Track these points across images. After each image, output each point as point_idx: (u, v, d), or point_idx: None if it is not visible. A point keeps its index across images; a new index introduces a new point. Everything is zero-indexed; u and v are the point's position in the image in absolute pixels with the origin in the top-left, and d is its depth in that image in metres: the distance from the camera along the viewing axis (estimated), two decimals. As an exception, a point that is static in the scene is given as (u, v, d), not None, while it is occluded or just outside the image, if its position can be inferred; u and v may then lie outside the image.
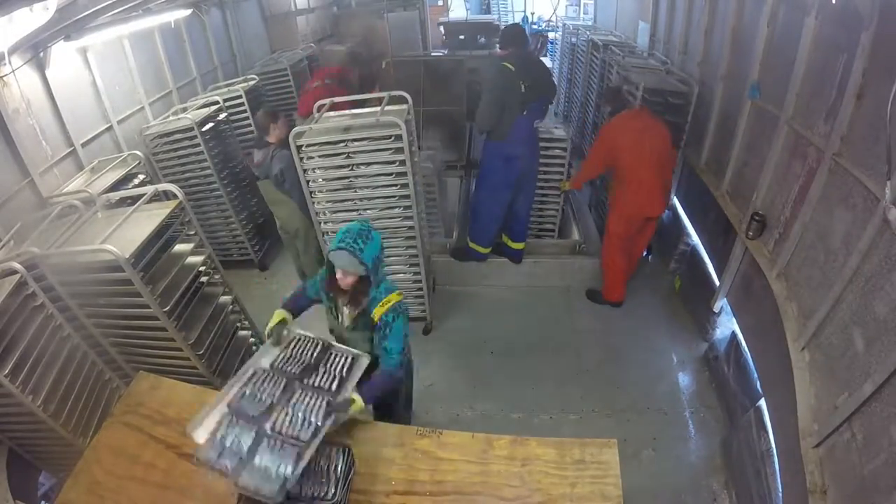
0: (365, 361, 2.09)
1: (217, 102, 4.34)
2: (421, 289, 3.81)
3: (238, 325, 3.13)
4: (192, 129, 3.93)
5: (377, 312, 2.09)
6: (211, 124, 4.17)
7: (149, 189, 2.81)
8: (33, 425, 2.37)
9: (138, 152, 3.78)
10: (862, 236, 2.02)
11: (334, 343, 2.19)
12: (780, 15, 2.93)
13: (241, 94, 4.54)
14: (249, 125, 4.66)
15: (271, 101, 5.17)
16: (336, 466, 1.78)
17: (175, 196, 2.81)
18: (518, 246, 4.33)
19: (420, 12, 8.05)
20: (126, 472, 1.92)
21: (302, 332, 2.19)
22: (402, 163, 3.09)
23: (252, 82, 4.83)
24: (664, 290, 4.44)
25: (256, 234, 4.77)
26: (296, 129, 3.07)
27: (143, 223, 2.54)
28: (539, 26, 12.06)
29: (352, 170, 3.16)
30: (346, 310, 2.21)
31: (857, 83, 2.15)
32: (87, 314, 2.56)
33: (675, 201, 4.76)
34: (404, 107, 3.25)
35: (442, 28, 8.82)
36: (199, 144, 3.99)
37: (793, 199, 2.68)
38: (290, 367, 1.98)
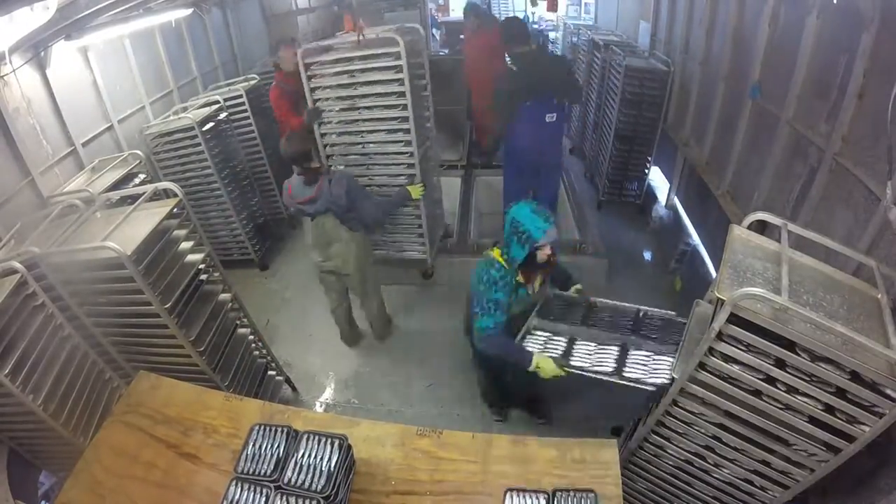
0: None
1: (218, 102, 4.34)
2: (420, 226, 3.92)
3: (237, 322, 3.13)
4: (192, 128, 3.93)
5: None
6: (211, 124, 4.17)
7: (148, 188, 2.81)
8: (33, 425, 2.36)
9: (139, 152, 3.77)
10: (863, 236, 2.02)
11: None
12: (781, 15, 2.92)
13: (241, 93, 4.55)
14: (250, 125, 4.66)
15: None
16: (331, 460, 1.68)
17: (175, 194, 2.81)
18: None
19: (420, 12, 8.06)
20: (126, 471, 1.92)
21: None
22: (401, 82, 3.22)
23: (253, 82, 4.82)
24: (664, 290, 4.43)
25: (257, 233, 4.78)
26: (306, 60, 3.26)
27: (143, 221, 2.53)
28: (539, 26, 12.06)
29: (355, 89, 3.33)
30: (538, 281, 2.52)
31: (858, 83, 2.15)
32: (88, 313, 2.55)
33: (676, 201, 4.76)
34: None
35: (442, 27, 8.82)
36: (199, 144, 3.99)
37: (794, 198, 2.67)
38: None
